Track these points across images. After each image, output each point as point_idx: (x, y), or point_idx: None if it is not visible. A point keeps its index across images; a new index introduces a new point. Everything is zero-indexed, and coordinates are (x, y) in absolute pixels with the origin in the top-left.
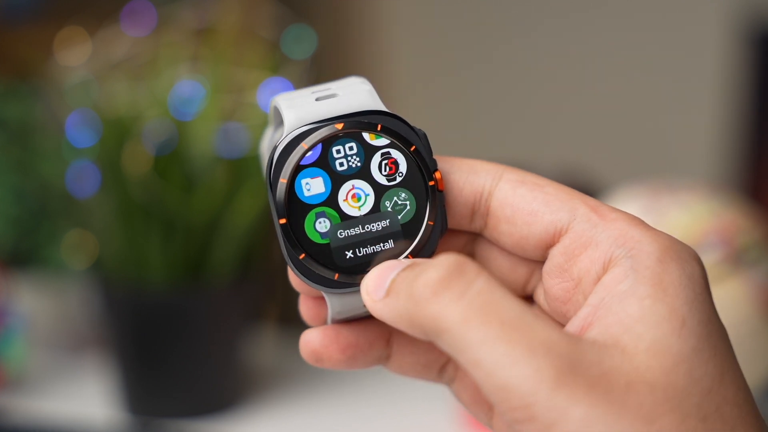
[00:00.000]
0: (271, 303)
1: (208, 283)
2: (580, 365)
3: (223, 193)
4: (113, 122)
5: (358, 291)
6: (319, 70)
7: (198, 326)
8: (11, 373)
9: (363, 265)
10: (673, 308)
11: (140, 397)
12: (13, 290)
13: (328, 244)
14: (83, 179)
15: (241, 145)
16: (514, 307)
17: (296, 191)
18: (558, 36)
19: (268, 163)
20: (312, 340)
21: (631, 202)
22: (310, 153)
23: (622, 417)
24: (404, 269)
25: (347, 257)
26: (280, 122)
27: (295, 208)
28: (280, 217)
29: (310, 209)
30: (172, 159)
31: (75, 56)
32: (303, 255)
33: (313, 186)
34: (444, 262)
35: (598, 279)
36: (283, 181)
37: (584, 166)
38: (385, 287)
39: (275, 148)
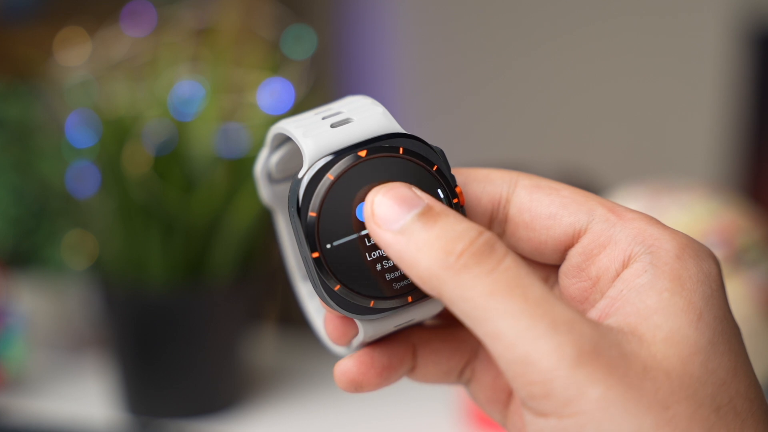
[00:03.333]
0: (271, 303)
1: (208, 283)
2: (601, 346)
3: (223, 193)
4: (113, 122)
5: (391, 315)
6: (319, 71)
7: (198, 326)
8: (11, 373)
9: (396, 289)
10: (690, 302)
11: (140, 397)
12: (13, 290)
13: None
14: (83, 179)
15: (241, 145)
16: (540, 286)
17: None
18: (558, 36)
19: (293, 197)
20: (349, 371)
21: (632, 203)
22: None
23: (639, 401)
24: (424, 214)
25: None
26: (276, 146)
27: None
28: (312, 251)
29: None
30: (172, 159)
31: (75, 56)
32: (339, 286)
33: None
34: (476, 236)
35: (617, 276)
36: (312, 214)
37: (584, 166)
38: (399, 223)
39: (300, 180)
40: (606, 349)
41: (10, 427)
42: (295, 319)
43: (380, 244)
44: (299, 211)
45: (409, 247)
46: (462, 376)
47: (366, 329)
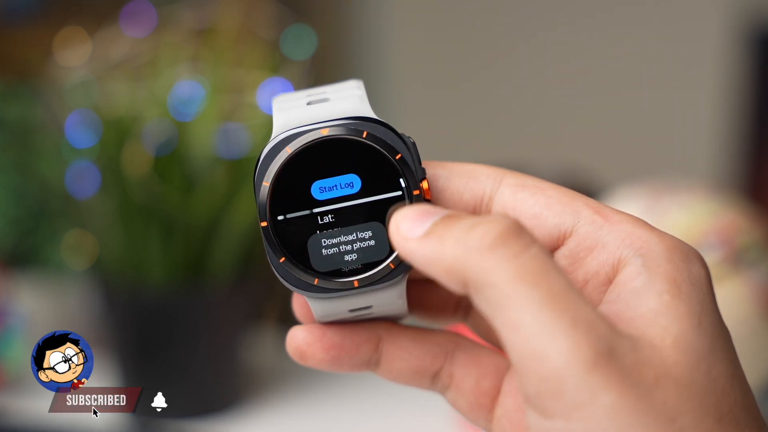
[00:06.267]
0: (271, 303)
1: (208, 283)
2: (617, 351)
3: (223, 194)
4: (113, 122)
5: (338, 297)
6: (318, 71)
7: (198, 326)
8: (11, 373)
9: (344, 272)
10: (690, 306)
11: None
12: (13, 290)
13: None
14: (83, 179)
15: (241, 146)
16: (564, 280)
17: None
18: (558, 36)
19: (254, 167)
20: (297, 337)
21: (632, 203)
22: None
23: (648, 412)
24: (447, 217)
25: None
26: None
27: (278, 210)
28: (261, 220)
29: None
30: (172, 159)
31: (75, 56)
32: (283, 259)
33: None
34: (504, 220)
35: (608, 280)
36: (265, 184)
37: (584, 166)
38: (425, 228)
39: (261, 151)
40: (622, 355)
41: (10, 427)
42: (295, 319)
43: (408, 256)
44: (255, 179)
45: (432, 244)
46: (437, 381)
47: (315, 307)
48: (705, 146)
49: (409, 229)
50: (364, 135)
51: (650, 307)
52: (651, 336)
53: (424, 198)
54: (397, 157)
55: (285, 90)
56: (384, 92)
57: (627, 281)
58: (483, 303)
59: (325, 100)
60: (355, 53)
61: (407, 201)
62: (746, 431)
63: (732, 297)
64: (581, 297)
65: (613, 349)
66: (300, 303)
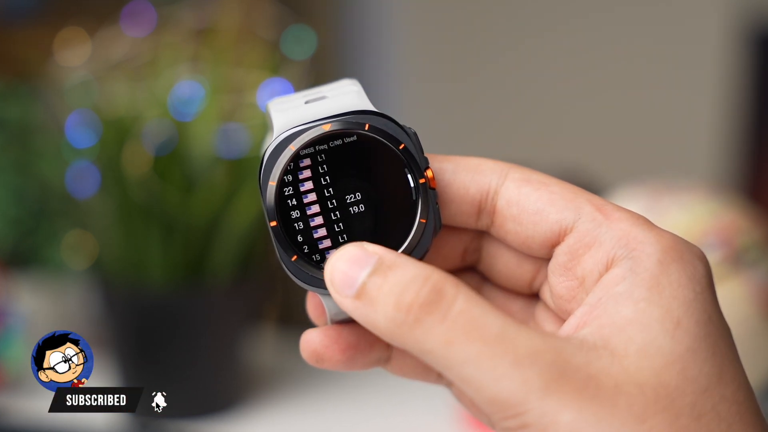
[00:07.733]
0: (271, 303)
1: (208, 283)
2: (568, 370)
3: (223, 194)
4: (113, 122)
5: None
6: (318, 71)
7: (198, 326)
8: (11, 373)
9: None
10: (668, 310)
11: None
12: (13, 290)
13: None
14: (83, 179)
15: (241, 145)
16: (496, 321)
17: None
18: (559, 36)
19: (258, 167)
20: (313, 340)
21: (632, 203)
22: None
23: (612, 418)
24: (374, 271)
25: None
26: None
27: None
28: (270, 220)
29: None
30: (172, 159)
31: (75, 57)
32: (295, 257)
33: None
34: (423, 286)
35: (600, 278)
36: (272, 183)
37: (585, 166)
38: (355, 287)
39: (264, 152)
40: (573, 372)
41: (10, 427)
42: (295, 319)
43: (345, 311)
44: (261, 180)
45: (367, 309)
46: (443, 375)
47: (328, 304)
48: (705, 146)
49: (342, 286)
50: (366, 127)
51: (624, 315)
52: (614, 345)
53: (429, 186)
54: (400, 147)
55: (285, 90)
56: (384, 92)
57: (611, 285)
58: (431, 364)
59: (322, 98)
60: (355, 53)
61: (413, 190)
62: (734, 426)
63: (732, 297)
64: (520, 330)
65: (563, 371)
66: (314, 304)
